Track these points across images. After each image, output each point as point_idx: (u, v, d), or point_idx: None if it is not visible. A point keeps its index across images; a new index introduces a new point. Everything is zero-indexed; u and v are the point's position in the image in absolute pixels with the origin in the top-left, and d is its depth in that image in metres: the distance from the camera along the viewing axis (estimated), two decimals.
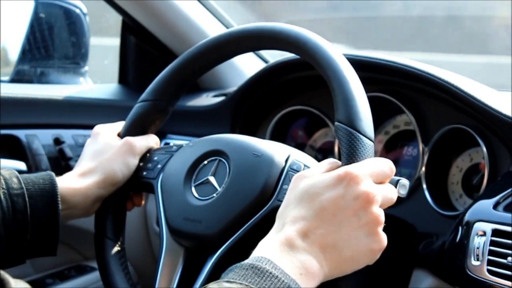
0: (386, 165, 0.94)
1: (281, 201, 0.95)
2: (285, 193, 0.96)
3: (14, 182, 1.12)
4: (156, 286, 1.13)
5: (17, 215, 1.09)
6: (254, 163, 1.09)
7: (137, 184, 1.23)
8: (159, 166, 1.21)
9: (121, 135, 1.26)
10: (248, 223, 1.06)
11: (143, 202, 1.31)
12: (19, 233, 1.10)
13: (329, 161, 0.96)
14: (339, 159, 0.96)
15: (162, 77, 1.24)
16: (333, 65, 1.02)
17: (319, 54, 1.04)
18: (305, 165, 1.08)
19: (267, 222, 1.00)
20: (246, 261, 0.84)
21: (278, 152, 1.10)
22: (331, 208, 0.88)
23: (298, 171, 1.06)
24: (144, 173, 1.22)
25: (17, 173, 1.14)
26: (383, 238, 0.90)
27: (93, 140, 1.25)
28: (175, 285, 1.12)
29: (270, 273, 0.82)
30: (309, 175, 0.93)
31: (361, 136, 0.95)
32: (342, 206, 0.88)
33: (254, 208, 1.07)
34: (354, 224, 0.88)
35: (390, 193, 0.94)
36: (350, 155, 0.95)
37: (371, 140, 0.96)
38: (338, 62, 1.02)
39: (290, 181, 0.97)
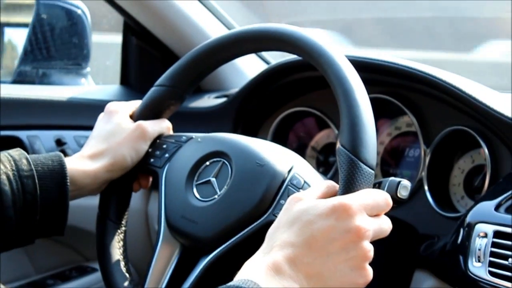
0: (382, 198, 0.94)
1: (276, 216, 0.95)
2: (281, 208, 0.95)
3: (24, 163, 1.12)
4: (149, 276, 1.13)
5: (27, 196, 1.10)
6: (256, 172, 1.09)
7: (143, 169, 1.24)
8: (167, 155, 1.21)
9: (134, 118, 1.25)
10: (241, 233, 1.07)
11: (149, 185, 1.30)
12: (28, 214, 1.10)
13: (327, 185, 0.96)
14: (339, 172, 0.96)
15: (180, 64, 1.24)
16: (346, 85, 1.00)
17: (333, 70, 1.02)
18: (305, 181, 1.07)
19: (259, 235, 0.99)
20: (231, 283, 0.84)
21: (281, 163, 1.09)
22: (321, 238, 0.88)
23: (297, 187, 1.06)
24: (152, 160, 1.22)
25: (26, 154, 1.14)
26: (369, 273, 0.90)
27: (105, 118, 1.24)
28: (167, 279, 1.13)
29: None
30: (305, 198, 0.93)
31: (362, 165, 0.95)
32: (332, 238, 0.88)
33: (249, 219, 1.07)
34: (342, 256, 0.88)
35: (384, 226, 0.94)
36: (348, 183, 0.94)
37: (372, 168, 0.96)
38: (351, 82, 1.00)
39: (288, 196, 0.97)
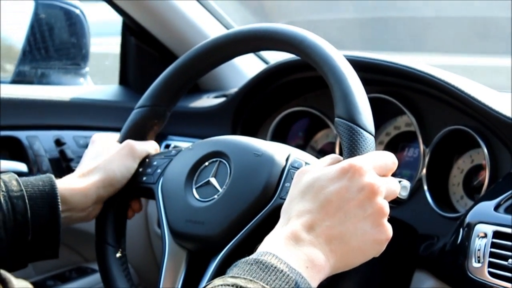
0: (389, 158, 0.94)
1: (284, 199, 0.95)
2: (287, 191, 0.95)
3: (14, 184, 1.11)
4: None
5: (17, 217, 1.09)
6: (255, 162, 1.09)
7: (137, 189, 1.23)
8: (159, 170, 1.21)
9: (120, 141, 1.25)
10: (251, 222, 1.06)
11: (142, 208, 1.30)
12: (20, 235, 1.10)
13: (331, 156, 0.96)
14: (341, 146, 0.96)
15: (160, 82, 1.24)
16: (330, 62, 1.02)
17: (316, 52, 1.04)
18: (306, 163, 1.08)
19: (270, 221, 1.00)
20: (251, 256, 0.84)
21: (279, 151, 1.10)
22: (336, 200, 0.88)
23: (299, 169, 1.06)
24: (144, 178, 1.22)
25: (16, 176, 1.14)
26: (389, 229, 0.90)
27: (92, 146, 1.25)
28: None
29: (275, 267, 0.82)
30: (312, 169, 0.93)
31: (362, 130, 0.96)
32: (347, 198, 0.88)
33: (257, 208, 1.07)
34: (359, 215, 0.88)
35: (393, 186, 0.94)
36: (352, 149, 0.95)
37: (371, 134, 0.97)
38: (335, 59, 1.02)
39: (292, 178, 0.97)
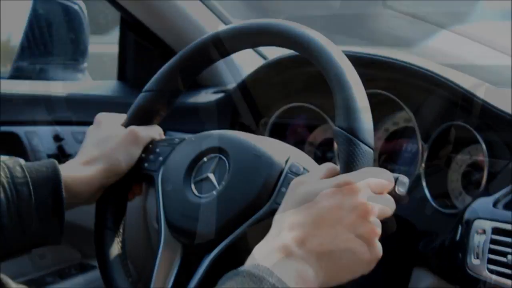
0: (385, 176, 0.94)
1: (279, 204, 0.95)
2: (283, 196, 0.96)
3: (18, 170, 1.11)
4: (153, 281, 1.13)
5: (21, 203, 1.09)
6: (254, 163, 1.09)
7: (138, 175, 1.23)
8: (161, 158, 1.21)
9: (125, 124, 1.25)
10: (245, 224, 1.06)
11: (142, 191, 1.30)
12: (24, 221, 1.10)
13: (328, 167, 0.96)
14: (338, 156, 0.96)
15: (168, 67, 1.23)
16: (336, 68, 1.01)
17: (323, 56, 1.03)
18: (304, 168, 1.08)
19: (263, 225, 1.00)
20: (242, 268, 0.85)
21: (279, 153, 1.10)
22: (328, 217, 0.88)
23: (297, 174, 1.06)
24: (146, 164, 1.22)
25: (20, 161, 1.13)
26: (379, 249, 0.91)
27: (96, 128, 1.24)
28: (171, 282, 1.12)
29: (267, 281, 0.82)
30: (308, 181, 0.93)
31: (361, 143, 0.95)
32: (340, 216, 0.88)
33: (251, 209, 1.07)
34: (350, 234, 0.89)
35: (388, 204, 0.94)
36: (349, 163, 0.94)
37: (370, 147, 0.96)
38: (342, 65, 1.01)
39: (288, 184, 0.97)
